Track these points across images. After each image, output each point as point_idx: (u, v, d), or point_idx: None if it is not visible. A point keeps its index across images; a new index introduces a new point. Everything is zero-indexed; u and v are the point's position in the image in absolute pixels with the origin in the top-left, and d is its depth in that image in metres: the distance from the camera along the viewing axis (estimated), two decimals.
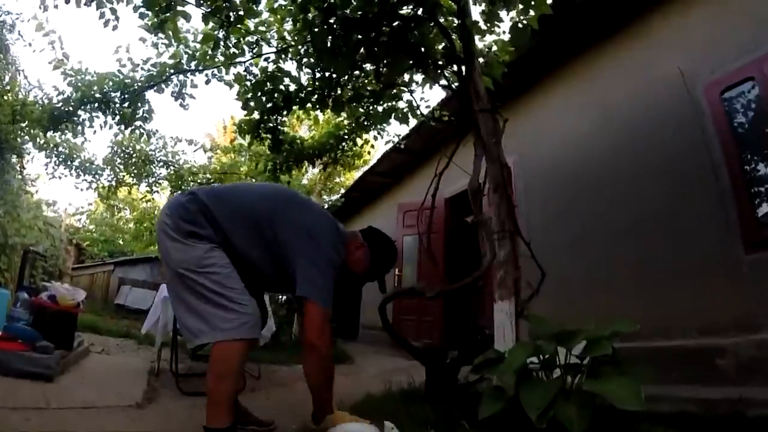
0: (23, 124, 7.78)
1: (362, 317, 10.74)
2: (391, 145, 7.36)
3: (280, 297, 8.78)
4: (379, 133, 6.43)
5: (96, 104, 6.31)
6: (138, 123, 6.50)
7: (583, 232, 5.10)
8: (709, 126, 3.94)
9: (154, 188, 10.76)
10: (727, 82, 3.88)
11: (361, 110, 5.16)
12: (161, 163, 10.15)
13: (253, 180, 9.03)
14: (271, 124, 5.24)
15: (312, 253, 2.49)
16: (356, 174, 11.43)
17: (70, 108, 6.42)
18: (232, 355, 2.28)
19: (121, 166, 9.89)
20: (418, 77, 4.71)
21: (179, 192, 2.99)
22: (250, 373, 4.86)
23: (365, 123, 5.60)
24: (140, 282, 14.15)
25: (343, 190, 12.00)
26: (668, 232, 4.16)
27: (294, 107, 5.00)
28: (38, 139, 8.79)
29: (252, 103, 4.97)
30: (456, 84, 4.02)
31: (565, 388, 2.44)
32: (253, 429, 2.96)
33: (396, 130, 7.86)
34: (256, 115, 5.16)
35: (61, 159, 9.67)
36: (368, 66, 4.49)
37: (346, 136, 6.81)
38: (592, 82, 5.43)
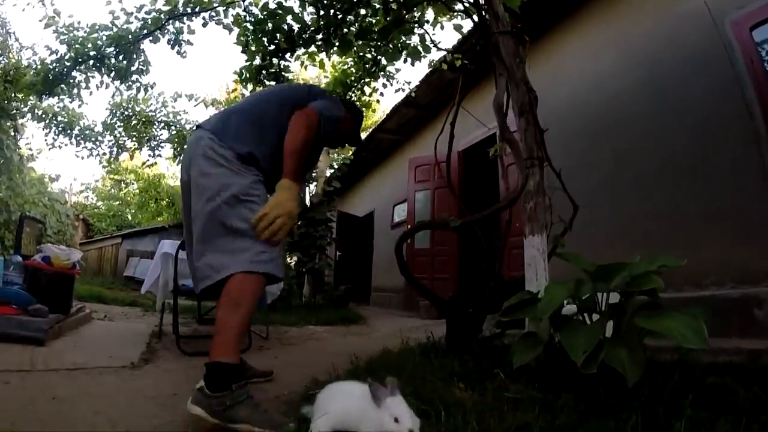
0: (19, 95, 7.41)
1: (373, 280, 10.45)
2: (400, 94, 6.91)
3: (290, 259, 8.51)
4: (388, 80, 6.00)
5: (91, 62, 5.97)
6: (135, 77, 6.12)
7: (608, 177, 4.74)
8: (739, 63, 3.68)
9: (157, 152, 10.42)
10: (757, 18, 3.62)
11: (370, 50, 4.69)
12: (162, 124, 9.68)
13: None
14: (274, 69, 4.79)
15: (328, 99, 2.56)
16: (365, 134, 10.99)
17: (65, 69, 6.08)
18: (253, 286, 2.06)
19: (122, 130, 9.45)
20: (430, 15, 4.25)
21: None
22: (258, 334, 4.55)
23: (373, 69, 5.15)
24: (149, 253, 13.88)
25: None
26: (699, 175, 3.91)
27: (298, 49, 4.55)
28: (36, 110, 8.43)
29: (253, 46, 4.54)
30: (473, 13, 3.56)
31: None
32: (253, 381, 2.70)
33: (406, 76, 7.37)
34: (257, 61, 4.72)
35: (60, 128, 9.33)
36: (376, 3, 4.05)
37: (354, 84, 6.34)
38: (610, 23, 5.07)
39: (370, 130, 9.97)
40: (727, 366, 2.35)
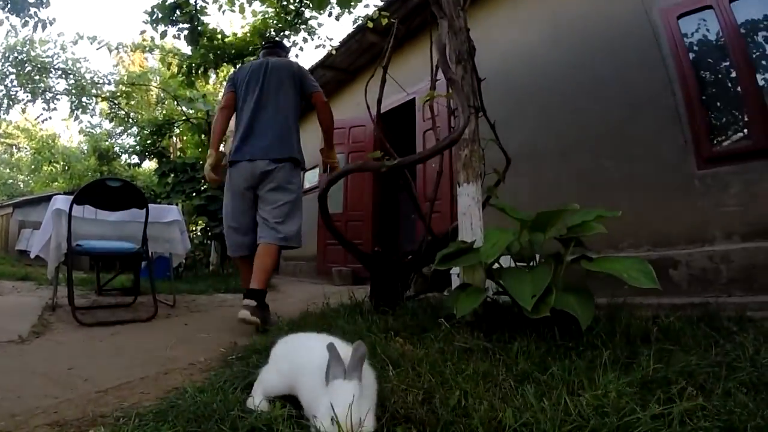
0: None
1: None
2: (319, 53, 6.50)
3: (195, 226, 7.90)
4: (309, 34, 5.56)
5: None
6: (33, 11, 5.22)
7: (530, 142, 4.68)
8: (664, 46, 3.80)
9: (52, 105, 9.03)
10: (685, 8, 3.74)
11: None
12: (59, 72, 8.48)
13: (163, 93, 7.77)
14: (189, 9, 4.22)
15: None
16: None
17: None
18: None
19: (14, 78, 8.16)
20: None
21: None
22: (165, 302, 4.11)
23: (296, 21, 4.72)
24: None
25: None
26: (621, 144, 3.99)
27: None
28: None
29: None
30: None
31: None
32: None
33: (328, 32, 6.90)
34: None
35: None
36: None
37: (274, 37, 5.84)
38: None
39: None
40: (655, 317, 2.28)
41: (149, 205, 3.67)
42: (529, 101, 4.83)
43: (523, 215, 2.39)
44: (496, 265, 2.43)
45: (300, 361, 1.34)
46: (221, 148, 3.60)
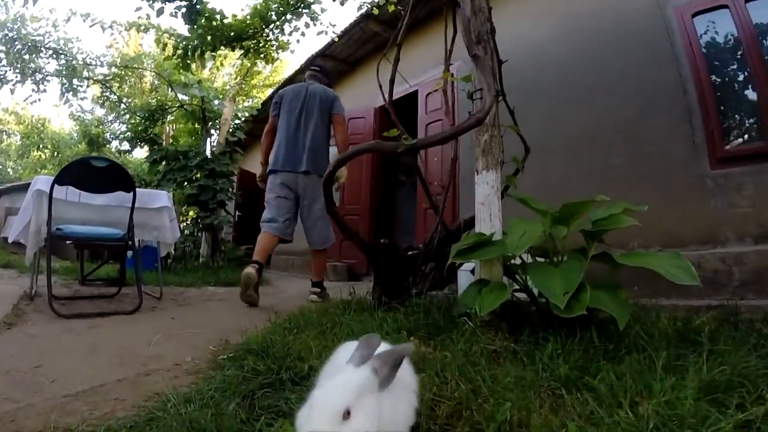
0: None
1: None
2: (323, 38, 6.18)
3: (185, 217, 7.57)
4: (312, 20, 5.25)
5: None
6: None
7: (539, 138, 4.44)
8: (678, 44, 3.72)
9: (42, 86, 8.46)
10: (700, 7, 3.67)
11: None
12: (50, 52, 8.02)
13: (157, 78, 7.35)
14: None
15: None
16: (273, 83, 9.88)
17: None
18: None
19: (2, 57, 7.68)
20: None
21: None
22: (151, 294, 3.81)
23: (298, 5, 4.43)
24: None
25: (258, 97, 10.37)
26: (632, 142, 3.88)
27: None
28: None
29: None
30: None
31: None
32: None
33: (331, 17, 6.58)
34: None
35: None
36: None
37: (275, 21, 5.53)
38: None
39: (282, 82, 8.94)
40: (675, 319, 2.16)
41: (137, 189, 3.36)
42: (538, 96, 4.64)
43: (545, 207, 2.23)
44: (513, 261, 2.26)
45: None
46: None
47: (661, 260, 1.88)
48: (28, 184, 9.23)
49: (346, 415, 0.78)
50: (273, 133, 4.09)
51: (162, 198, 3.86)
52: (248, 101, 9.90)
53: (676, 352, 1.56)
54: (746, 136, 3.53)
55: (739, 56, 3.52)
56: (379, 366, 0.86)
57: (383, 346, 0.95)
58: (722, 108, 3.56)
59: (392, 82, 2.94)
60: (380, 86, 2.94)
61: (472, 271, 2.66)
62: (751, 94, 3.46)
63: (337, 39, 6.25)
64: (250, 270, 3.47)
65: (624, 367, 1.41)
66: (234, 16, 5.63)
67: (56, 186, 3.07)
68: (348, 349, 1.03)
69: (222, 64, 7.39)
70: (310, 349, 1.70)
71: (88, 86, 8.63)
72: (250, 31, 5.59)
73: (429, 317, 2.16)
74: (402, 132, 2.51)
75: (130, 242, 3.35)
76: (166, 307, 3.57)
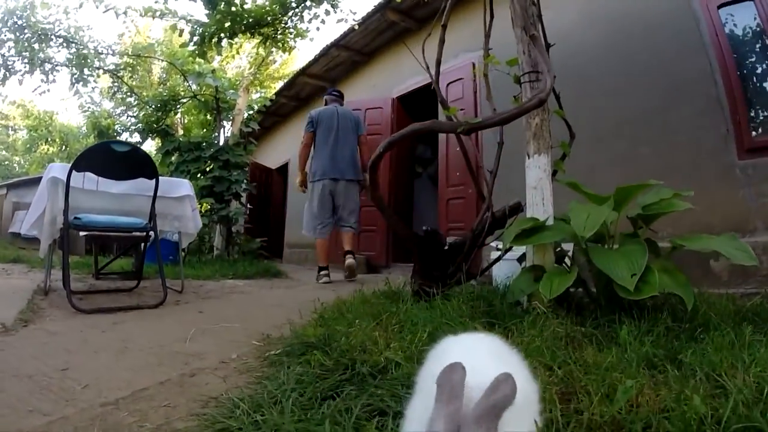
0: None
1: (287, 236, 9.54)
2: (342, 25, 5.92)
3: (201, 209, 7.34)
4: (332, 6, 5.01)
5: None
6: None
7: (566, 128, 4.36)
8: (705, 35, 3.64)
9: (51, 76, 8.05)
10: None
11: None
12: (60, 41, 7.64)
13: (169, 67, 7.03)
14: None
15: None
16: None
17: None
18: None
19: (12, 45, 7.32)
20: None
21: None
22: (172, 288, 3.57)
23: None
24: None
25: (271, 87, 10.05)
26: (660, 131, 3.81)
27: None
28: None
29: None
30: None
31: None
32: None
33: (352, 4, 6.32)
34: None
35: None
36: None
37: (295, 7, 5.28)
38: None
39: (294, 74, 8.68)
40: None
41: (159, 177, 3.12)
42: (565, 86, 4.44)
43: (591, 192, 2.20)
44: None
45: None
46: None
47: (720, 242, 1.92)
48: (36, 179, 8.90)
49: None
50: (310, 146, 4.96)
51: (184, 186, 3.61)
52: (257, 94, 9.58)
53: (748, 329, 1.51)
54: None
55: (764, 46, 3.48)
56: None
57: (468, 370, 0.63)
58: (750, 98, 3.50)
59: (438, 62, 2.83)
60: (426, 67, 2.83)
61: (519, 260, 2.59)
62: None
63: (357, 26, 6.00)
64: (325, 279, 4.63)
65: (704, 345, 1.40)
66: (254, 1, 5.43)
67: (72, 174, 2.83)
68: (452, 348, 0.78)
69: (238, 52, 7.10)
70: (374, 341, 1.49)
71: (98, 76, 8.31)
72: (269, 18, 5.34)
73: (488, 304, 2.03)
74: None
75: (152, 232, 3.12)
76: (189, 300, 3.35)
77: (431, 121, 2.60)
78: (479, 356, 0.75)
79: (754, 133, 3.41)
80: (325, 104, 5.20)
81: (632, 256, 1.81)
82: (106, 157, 2.91)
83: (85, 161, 2.88)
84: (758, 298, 2.18)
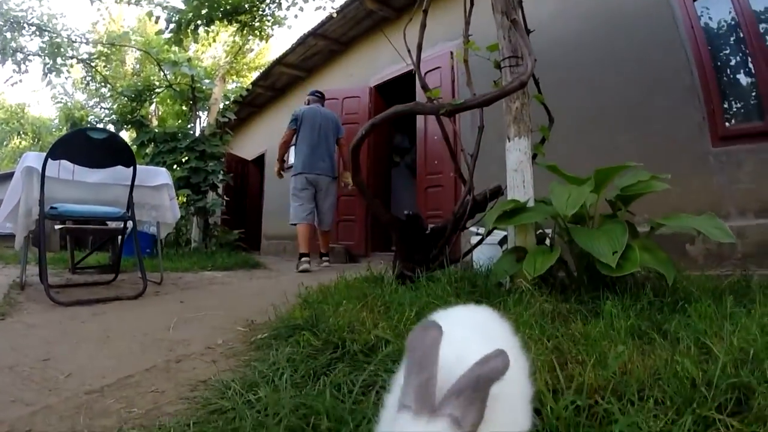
0: None
1: (264, 227, 9.46)
2: (320, 13, 5.83)
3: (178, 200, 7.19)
4: None
5: None
6: None
7: (544, 118, 4.40)
8: (681, 27, 3.73)
9: (23, 66, 7.81)
10: None
11: None
12: (33, 29, 7.34)
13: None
14: None
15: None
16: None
17: None
18: None
19: None
20: None
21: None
22: (151, 280, 3.50)
23: None
24: None
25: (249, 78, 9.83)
26: (637, 120, 3.91)
27: None
28: None
29: None
30: None
31: None
32: None
33: None
34: None
35: None
36: None
37: None
38: None
39: (270, 64, 8.49)
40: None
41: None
42: (542, 74, 4.49)
43: (572, 176, 2.23)
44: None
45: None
46: None
47: (699, 221, 2.00)
48: (8, 174, 8.54)
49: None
50: (290, 143, 5.31)
51: (161, 175, 3.52)
52: (233, 84, 9.37)
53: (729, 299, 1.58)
54: (746, 116, 3.58)
55: (739, 40, 3.57)
56: (462, 411, 0.49)
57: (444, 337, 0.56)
58: (724, 88, 3.61)
59: (419, 47, 2.83)
60: (408, 51, 2.83)
61: (500, 243, 2.64)
62: (751, 76, 3.51)
63: (335, 14, 5.92)
64: (306, 266, 4.69)
65: (687, 316, 1.45)
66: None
67: (48, 163, 2.73)
68: (442, 319, 0.67)
69: (214, 40, 6.91)
70: (362, 322, 1.48)
71: (71, 66, 8.03)
72: (247, 4, 5.23)
73: (472, 285, 2.08)
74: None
75: (130, 222, 3.05)
76: (169, 291, 3.29)
77: (414, 103, 2.61)
78: (468, 327, 0.72)
79: (727, 122, 3.53)
80: (307, 104, 5.42)
81: (613, 234, 1.85)
82: (83, 144, 2.81)
83: (61, 149, 2.77)
84: (734, 277, 2.25)
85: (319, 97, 5.54)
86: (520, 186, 2.31)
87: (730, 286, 2.05)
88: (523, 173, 2.32)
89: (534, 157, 2.49)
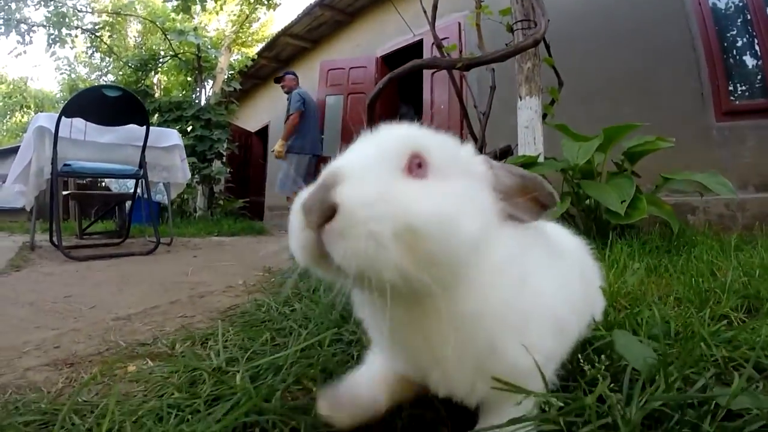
0: None
1: (267, 198, 9.40)
2: None
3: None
4: None
5: None
6: None
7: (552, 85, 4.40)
8: (687, 2, 3.76)
9: (27, 38, 7.64)
10: None
11: None
12: (37, 1, 7.15)
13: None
14: None
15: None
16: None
17: None
18: None
19: None
20: None
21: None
22: (162, 243, 3.47)
23: None
24: None
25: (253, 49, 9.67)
26: (642, 93, 3.91)
27: None
28: None
29: None
30: None
31: None
32: None
33: None
34: None
35: None
36: None
37: None
38: None
39: (274, 35, 8.34)
40: None
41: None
42: (552, 45, 4.48)
43: (581, 135, 2.25)
44: None
45: None
46: None
47: (704, 177, 2.06)
48: (12, 149, 8.43)
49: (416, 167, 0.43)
50: (299, 124, 5.24)
51: (173, 136, 3.48)
52: (238, 55, 9.20)
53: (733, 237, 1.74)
54: (751, 92, 3.60)
55: (744, 16, 3.59)
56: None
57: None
58: (729, 64, 3.64)
59: (435, 7, 2.79)
60: (424, 11, 2.79)
61: None
62: (756, 53, 3.54)
63: None
64: None
65: (695, 253, 1.54)
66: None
67: (60, 123, 2.69)
68: None
69: (222, 8, 6.77)
70: None
71: (76, 36, 7.87)
72: None
73: None
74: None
75: (144, 180, 3.02)
76: (180, 251, 3.28)
77: (432, 57, 2.61)
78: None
79: (731, 97, 3.55)
80: (295, 84, 5.58)
81: (621, 186, 1.93)
82: (98, 101, 2.77)
83: (75, 106, 2.73)
84: (736, 233, 2.31)
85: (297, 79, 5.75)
86: (531, 142, 2.38)
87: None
88: (534, 130, 2.39)
89: (544, 117, 2.53)
